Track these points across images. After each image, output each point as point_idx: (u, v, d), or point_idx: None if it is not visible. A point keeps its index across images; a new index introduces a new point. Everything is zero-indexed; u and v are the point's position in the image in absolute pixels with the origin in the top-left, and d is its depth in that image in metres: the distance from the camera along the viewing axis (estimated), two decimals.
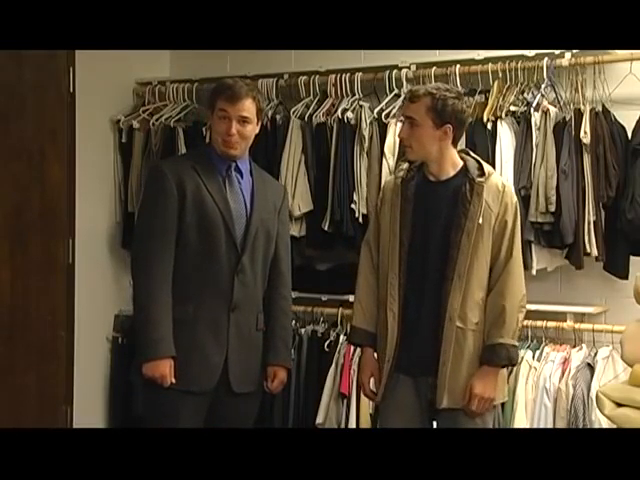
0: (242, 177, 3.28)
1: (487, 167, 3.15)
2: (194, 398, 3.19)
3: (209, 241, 3.17)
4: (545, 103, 3.80)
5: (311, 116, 4.27)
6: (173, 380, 3.15)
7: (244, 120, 3.18)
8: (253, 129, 3.24)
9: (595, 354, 3.72)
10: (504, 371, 3.19)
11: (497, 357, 3.04)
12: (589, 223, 3.73)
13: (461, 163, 3.14)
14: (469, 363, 3.05)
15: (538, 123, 3.79)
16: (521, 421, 3.70)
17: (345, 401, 4.09)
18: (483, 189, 3.05)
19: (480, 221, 3.03)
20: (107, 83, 4.72)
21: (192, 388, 3.18)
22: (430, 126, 3.05)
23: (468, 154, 3.21)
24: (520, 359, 3.77)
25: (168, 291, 3.17)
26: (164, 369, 3.14)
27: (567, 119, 3.78)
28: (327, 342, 4.23)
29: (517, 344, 3.10)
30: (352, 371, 4.09)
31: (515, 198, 3.16)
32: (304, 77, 4.36)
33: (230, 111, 3.16)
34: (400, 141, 3.19)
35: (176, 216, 3.16)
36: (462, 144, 3.78)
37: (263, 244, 3.27)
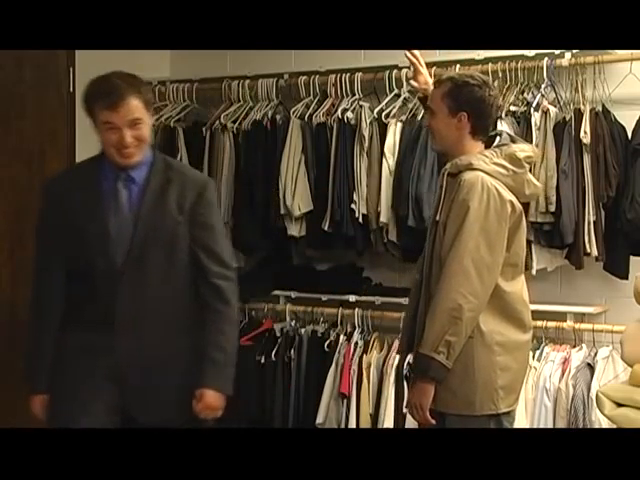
0: (134, 184, 2.82)
1: None
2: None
3: (89, 261, 2.79)
4: (545, 103, 3.80)
5: (311, 116, 4.27)
6: (43, 418, 2.88)
7: (136, 123, 2.73)
8: (148, 127, 2.80)
9: (595, 354, 3.72)
10: (469, 383, 2.85)
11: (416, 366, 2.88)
12: (589, 223, 3.73)
13: None
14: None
15: (538, 123, 3.79)
16: (521, 421, 3.70)
17: (345, 401, 4.09)
18: None
19: (437, 217, 2.89)
20: None
21: (80, 422, 2.79)
22: (445, 113, 2.89)
23: None
24: None
25: (46, 319, 2.88)
26: (34, 407, 2.94)
27: (567, 119, 3.78)
28: (327, 342, 4.23)
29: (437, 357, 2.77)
30: (352, 371, 4.09)
31: (464, 194, 2.84)
32: (304, 77, 4.36)
33: (116, 121, 2.73)
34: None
35: (55, 239, 2.83)
36: None
37: (160, 255, 2.79)
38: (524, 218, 2.93)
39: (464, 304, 2.73)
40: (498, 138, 2.97)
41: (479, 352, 2.81)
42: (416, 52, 3.29)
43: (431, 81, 3.24)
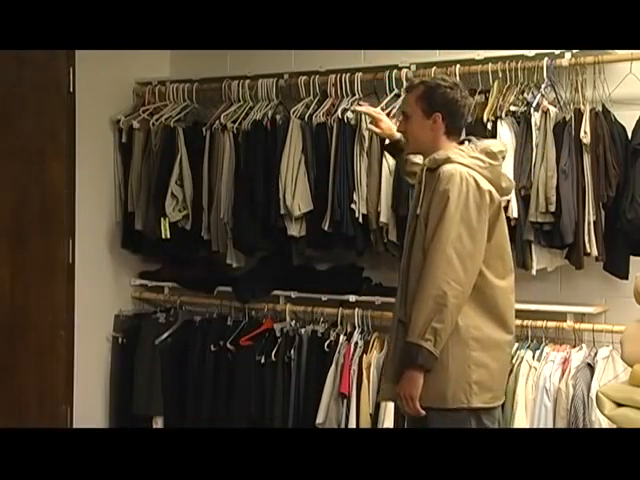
0: None
1: None
2: None
3: None
4: (545, 103, 3.80)
5: (311, 116, 4.27)
6: None
7: None
8: None
9: (595, 354, 3.72)
10: (442, 375, 2.90)
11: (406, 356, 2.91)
12: (589, 223, 3.73)
13: None
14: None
15: (538, 123, 3.79)
16: (521, 421, 3.70)
17: (345, 401, 4.09)
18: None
19: (417, 212, 2.97)
20: (107, 83, 4.72)
21: None
22: (420, 116, 3.02)
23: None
24: (520, 359, 3.78)
25: None
26: None
27: (567, 119, 3.78)
28: (327, 342, 4.23)
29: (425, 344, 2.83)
30: (352, 371, 4.09)
31: (444, 185, 2.90)
32: (304, 77, 4.36)
33: None
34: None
35: None
36: None
37: None
38: (503, 210, 3.02)
39: (448, 291, 2.81)
40: (467, 142, 3.08)
41: (454, 345, 2.89)
42: (363, 108, 3.51)
43: (394, 126, 3.38)
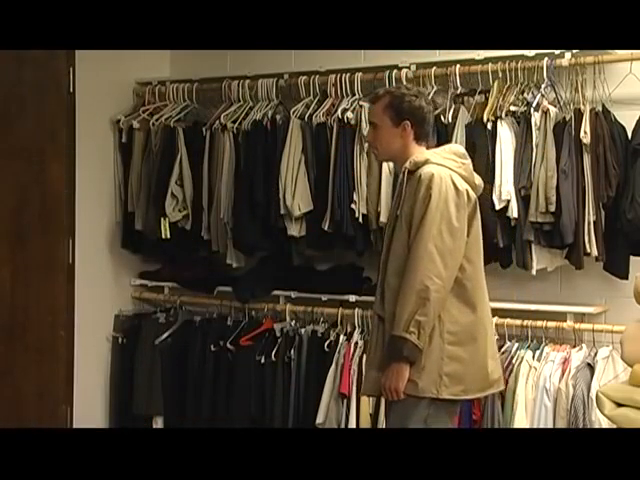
0: None
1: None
2: None
3: None
4: (545, 103, 3.80)
5: (311, 116, 4.27)
6: None
7: None
8: None
9: (595, 354, 3.72)
10: (415, 365, 2.96)
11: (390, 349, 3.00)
12: (589, 223, 3.73)
13: None
14: (382, 352, 3.04)
15: (538, 123, 3.79)
16: (521, 421, 3.70)
17: (345, 401, 4.09)
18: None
19: (398, 212, 3.07)
20: (107, 83, 4.72)
21: None
22: (389, 125, 3.14)
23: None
24: (520, 359, 3.79)
25: None
26: None
27: (567, 119, 3.78)
28: (327, 342, 4.23)
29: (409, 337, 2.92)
30: (352, 371, 4.09)
31: (425, 186, 2.99)
32: (304, 77, 4.36)
33: None
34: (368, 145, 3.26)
35: None
36: (462, 145, 3.79)
37: None
38: (478, 207, 3.14)
39: (430, 285, 2.93)
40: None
41: (429, 337, 2.97)
42: None
43: None
